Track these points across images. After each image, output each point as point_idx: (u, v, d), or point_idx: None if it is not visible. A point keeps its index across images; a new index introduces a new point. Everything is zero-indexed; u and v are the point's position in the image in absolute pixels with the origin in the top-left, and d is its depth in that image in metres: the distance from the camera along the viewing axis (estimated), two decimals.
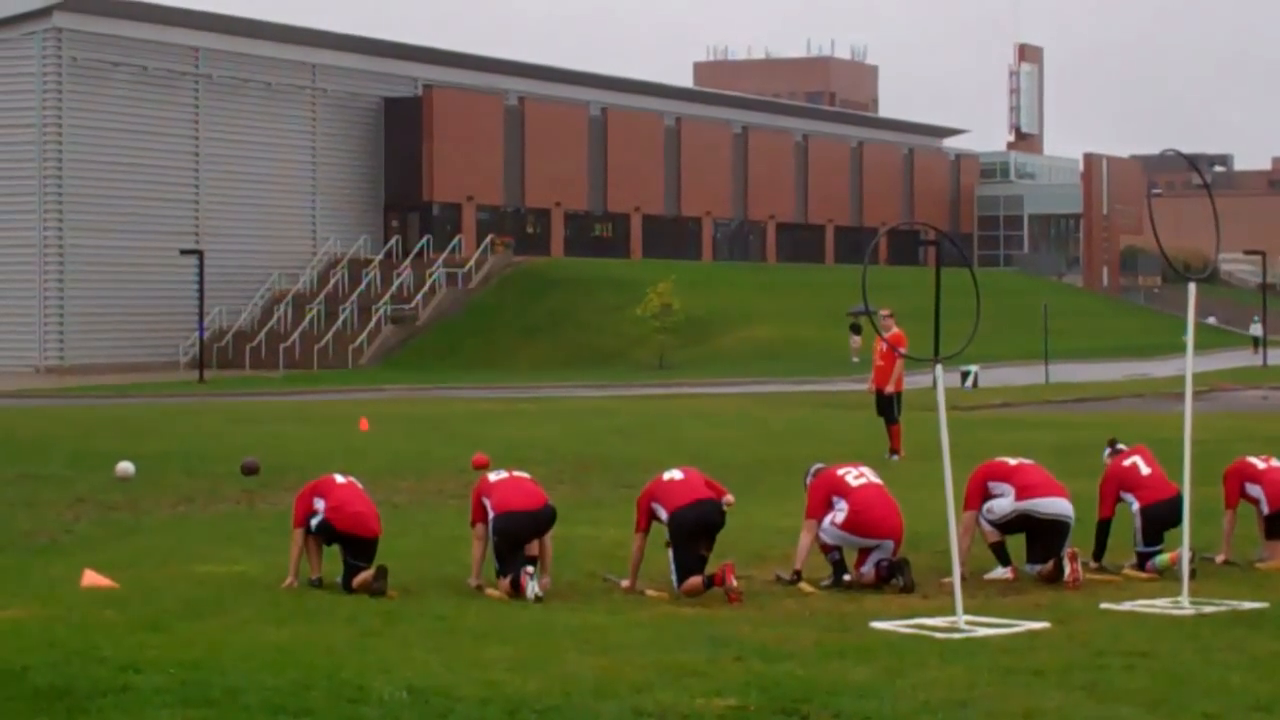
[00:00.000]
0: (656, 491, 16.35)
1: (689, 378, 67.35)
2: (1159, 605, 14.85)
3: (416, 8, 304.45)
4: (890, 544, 16.33)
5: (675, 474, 16.52)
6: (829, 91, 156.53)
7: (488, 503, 16.20)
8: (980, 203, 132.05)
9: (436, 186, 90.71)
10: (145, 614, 14.35)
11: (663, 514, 16.18)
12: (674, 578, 15.98)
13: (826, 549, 16.47)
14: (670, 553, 16.06)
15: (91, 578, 16.08)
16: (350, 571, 16.09)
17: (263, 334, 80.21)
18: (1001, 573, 16.60)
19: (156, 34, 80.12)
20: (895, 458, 30.23)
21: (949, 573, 14.83)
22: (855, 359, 76.13)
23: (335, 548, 16.33)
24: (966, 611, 14.08)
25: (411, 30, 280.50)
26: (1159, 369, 69.11)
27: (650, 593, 16.02)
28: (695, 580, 15.77)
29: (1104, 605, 14.87)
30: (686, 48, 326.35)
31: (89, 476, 27.02)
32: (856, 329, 77.79)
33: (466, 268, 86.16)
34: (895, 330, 31.48)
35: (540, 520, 16.14)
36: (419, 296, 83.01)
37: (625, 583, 16.41)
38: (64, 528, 21.00)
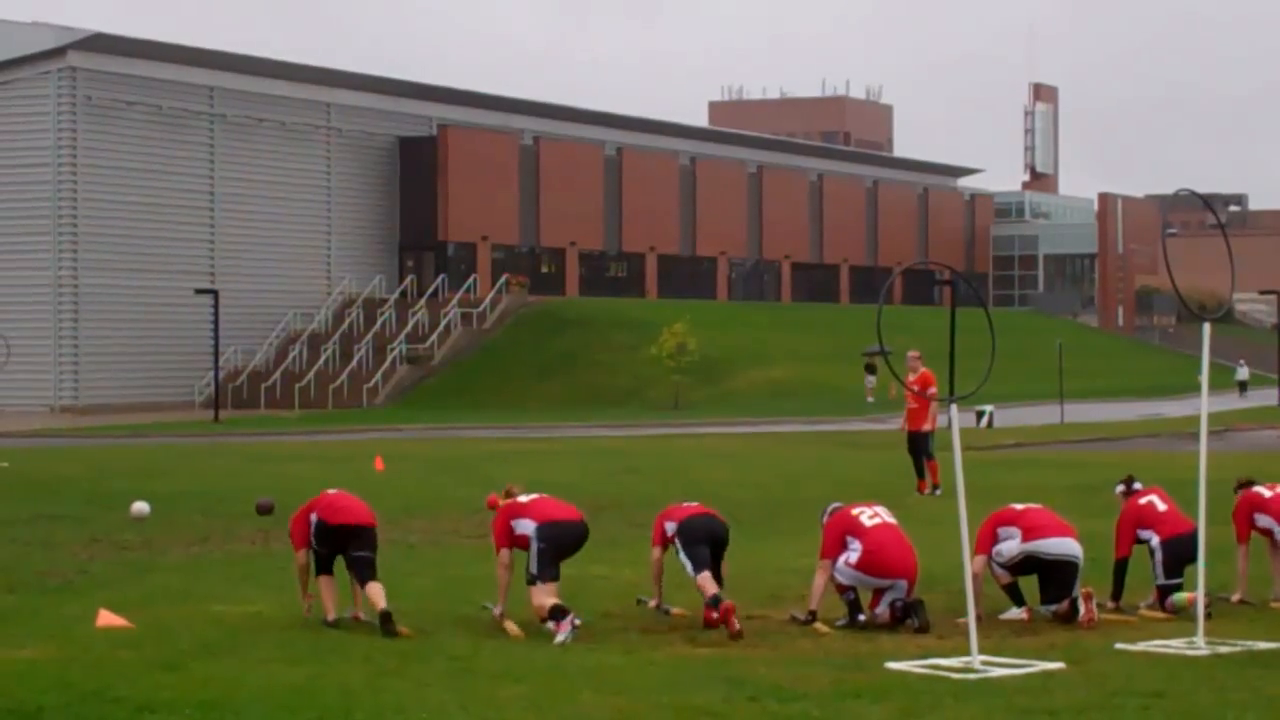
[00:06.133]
0: (670, 510, 17.28)
1: (704, 417, 67.31)
2: (1174, 646, 14.82)
3: (431, 47, 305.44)
4: (904, 584, 16.37)
5: (689, 502, 17.55)
6: (844, 131, 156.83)
7: (527, 521, 16.20)
8: (995, 242, 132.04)
9: (451, 226, 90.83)
10: (160, 654, 14.35)
11: (671, 526, 16.95)
12: (691, 571, 16.54)
13: (842, 589, 16.47)
14: (681, 554, 16.71)
15: (106, 618, 16.08)
16: (359, 570, 16.12)
17: (278, 373, 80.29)
18: (1016, 613, 16.59)
19: (171, 73, 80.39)
20: (937, 492, 30.23)
21: (964, 613, 14.81)
22: (870, 399, 76.07)
23: (346, 582, 16.37)
24: (981, 652, 14.06)
25: (426, 70, 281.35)
26: (1174, 409, 68.98)
27: (675, 610, 16.20)
28: (708, 577, 16.41)
29: (1119, 646, 14.85)
30: (701, 87, 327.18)
31: (104, 516, 27.03)
32: (871, 369, 77.74)
33: (481, 307, 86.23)
34: (923, 370, 31.38)
35: (582, 532, 16.38)
36: (434, 336, 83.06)
37: (653, 601, 16.92)
38: (79, 568, 21.00)
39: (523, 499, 16.50)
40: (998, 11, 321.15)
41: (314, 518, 16.54)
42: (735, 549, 19.28)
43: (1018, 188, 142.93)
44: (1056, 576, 16.59)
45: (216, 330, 73.57)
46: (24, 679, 13.17)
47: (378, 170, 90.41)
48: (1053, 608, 16.56)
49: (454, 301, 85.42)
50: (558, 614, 15.62)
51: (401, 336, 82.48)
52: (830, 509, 17.15)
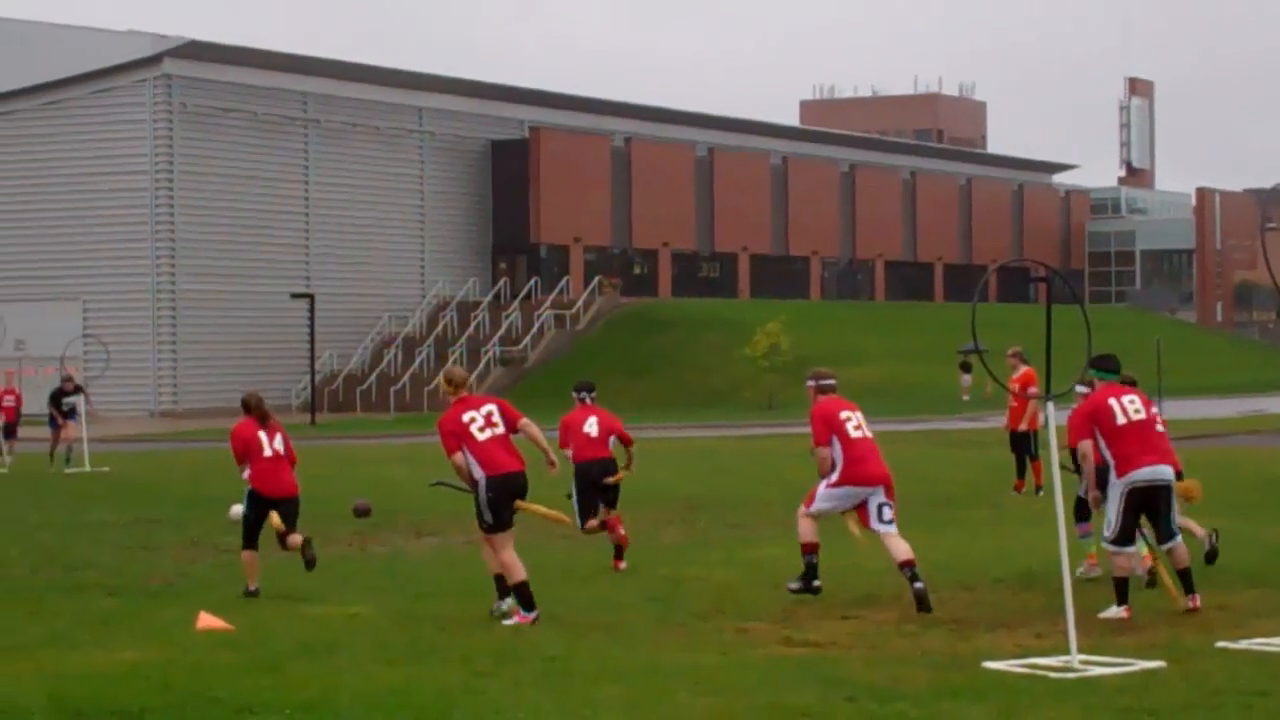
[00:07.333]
0: (572, 431, 20.74)
1: (798, 418, 67.05)
2: (1277, 644, 14.66)
3: (522, 50, 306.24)
4: (881, 490, 17.41)
5: (592, 430, 20.68)
6: (937, 128, 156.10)
7: (475, 464, 16.57)
8: (1091, 239, 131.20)
9: (544, 228, 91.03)
10: (260, 656, 14.45)
11: (569, 457, 20.43)
12: (578, 520, 20.39)
13: (806, 548, 17.46)
14: (574, 499, 20.49)
15: (207, 620, 16.20)
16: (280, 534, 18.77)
17: (373, 377, 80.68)
18: (1116, 612, 16.42)
19: (266, 80, 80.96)
20: (1040, 493, 29.86)
21: (1063, 611, 14.71)
22: (966, 397, 75.70)
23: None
24: (1081, 651, 13.96)
25: (518, 72, 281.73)
26: (1275, 405, 68.29)
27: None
28: (593, 523, 20.48)
29: (1220, 644, 14.70)
30: (792, 86, 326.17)
31: (203, 519, 27.23)
32: (967, 367, 77.38)
33: (574, 309, 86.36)
34: (1025, 369, 31.07)
35: (524, 484, 16.85)
36: (527, 338, 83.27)
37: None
38: (179, 570, 21.18)
39: (479, 436, 16.61)
40: (1092, 5, 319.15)
41: (246, 477, 18.83)
42: (829, 549, 19.26)
43: (1114, 183, 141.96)
44: (1152, 507, 16.39)
45: (312, 334, 74.01)
46: (126, 681, 13.29)
47: (470, 174, 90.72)
48: (1166, 546, 16.47)
49: (547, 303, 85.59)
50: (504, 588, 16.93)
51: (495, 339, 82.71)
52: (813, 383, 18.01)
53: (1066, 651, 13.93)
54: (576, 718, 11.88)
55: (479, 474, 16.53)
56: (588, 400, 21.25)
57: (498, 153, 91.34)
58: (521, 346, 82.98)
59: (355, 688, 12.98)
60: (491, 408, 16.79)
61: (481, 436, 16.61)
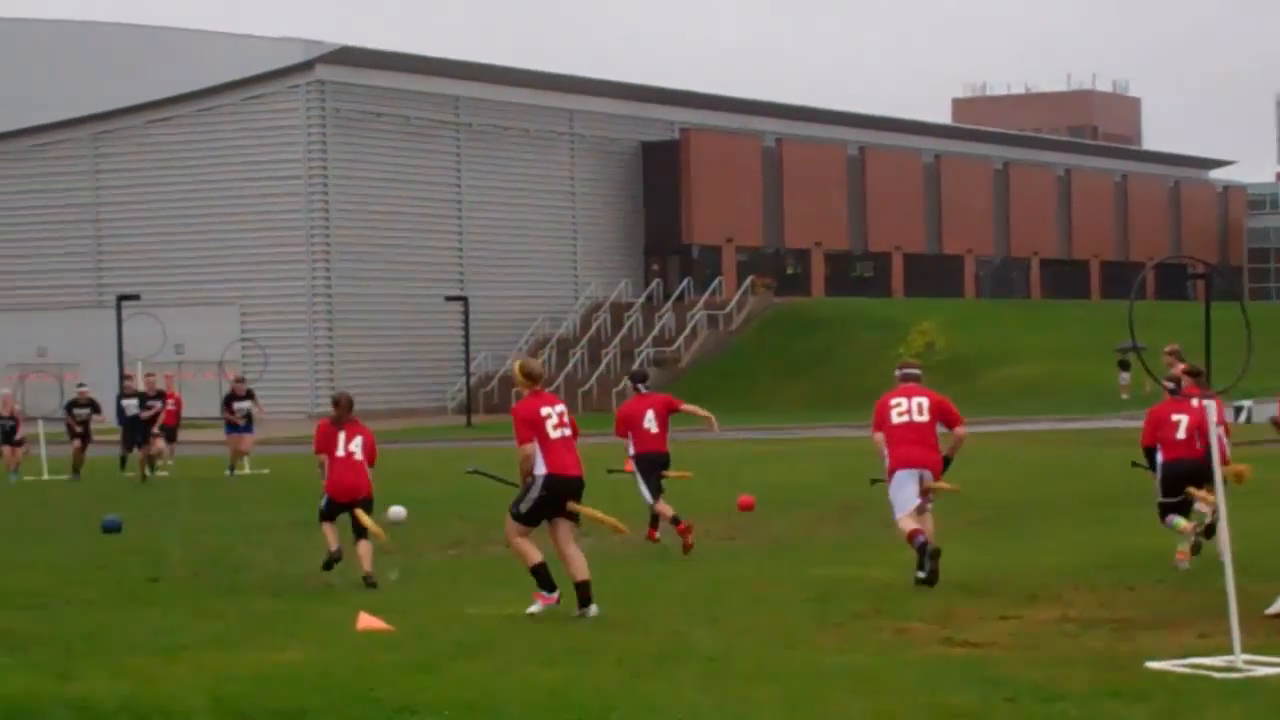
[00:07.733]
0: (632, 425, 22.67)
1: None
2: None
3: (672, 52, 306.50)
4: (929, 474, 18.20)
5: (652, 425, 22.55)
6: (1091, 125, 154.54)
7: (541, 453, 16.72)
8: (1250, 235, 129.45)
9: (696, 229, 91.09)
10: (419, 656, 14.54)
11: (630, 449, 22.64)
12: (649, 497, 22.73)
13: (911, 535, 17.99)
14: (639, 480, 22.64)
15: (366, 620, 16.31)
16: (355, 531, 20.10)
17: None
18: None
19: (417, 84, 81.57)
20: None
21: (1226, 610, 14.50)
22: (1125, 396, 74.94)
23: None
24: (1245, 650, 13.75)
25: (667, 74, 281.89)
26: None
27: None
28: (665, 507, 22.50)
29: None
30: (944, 84, 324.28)
31: None
32: (1125, 365, 76.60)
33: (727, 309, 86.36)
34: (1182, 366, 30.64)
35: (578, 490, 17.03)
36: (680, 339, 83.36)
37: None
38: (338, 572, 21.34)
39: (552, 433, 16.78)
40: None
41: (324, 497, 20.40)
42: (990, 549, 19.13)
43: (1271, 179, 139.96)
44: None
45: (467, 336, 74.50)
46: (288, 681, 13.43)
47: (621, 175, 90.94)
48: None
49: (700, 304, 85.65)
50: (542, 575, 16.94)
51: (648, 340, 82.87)
52: (897, 372, 19.32)
53: (1230, 651, 13.74)
54: (735, 718, 11.86)
55: (541, 469, 16.75)
56: (642, 390, 22.68)
57: (649, 154, 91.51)
58: (675, 347, 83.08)
59: (514, 688, 13.03)
60: (563, 408, 17.08)
61: (554, 434, 16.85)
